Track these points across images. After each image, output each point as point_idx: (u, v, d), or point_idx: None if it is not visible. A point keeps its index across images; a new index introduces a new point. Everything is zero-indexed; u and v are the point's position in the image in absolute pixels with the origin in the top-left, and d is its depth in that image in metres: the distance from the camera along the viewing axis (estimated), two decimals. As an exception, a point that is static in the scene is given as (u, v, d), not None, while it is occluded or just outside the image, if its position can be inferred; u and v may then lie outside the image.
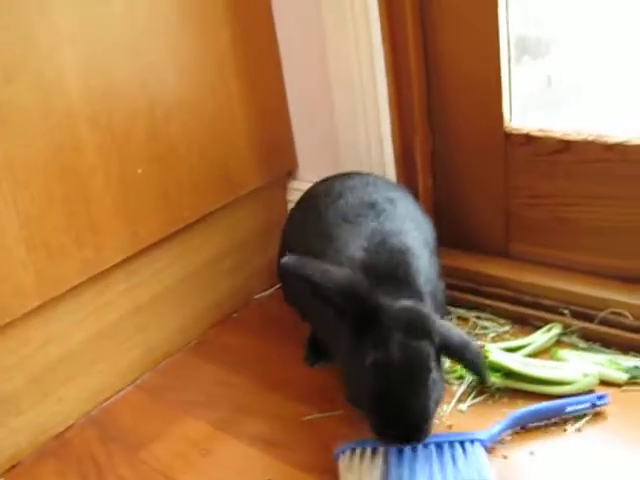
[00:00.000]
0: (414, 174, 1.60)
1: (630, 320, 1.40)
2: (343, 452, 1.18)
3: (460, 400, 1.34)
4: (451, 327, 1.16)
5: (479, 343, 1.45)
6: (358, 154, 1.62)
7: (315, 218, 1.35)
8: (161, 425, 1.42)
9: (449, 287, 1.56)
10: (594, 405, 1.24)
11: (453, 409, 1.33)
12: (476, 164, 1.57)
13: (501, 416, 1.28)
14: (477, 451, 1.14)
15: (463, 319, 1.57)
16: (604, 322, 1.43)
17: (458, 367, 1.37)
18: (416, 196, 1.60)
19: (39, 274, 1.30)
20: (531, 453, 1.21)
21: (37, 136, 1.27)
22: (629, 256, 1.44)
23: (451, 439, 1.16)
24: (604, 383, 1.33)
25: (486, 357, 1.33)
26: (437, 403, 1.11)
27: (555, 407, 1.25)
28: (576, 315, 1.47)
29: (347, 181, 1.41)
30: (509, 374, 1.33)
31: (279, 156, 1.76)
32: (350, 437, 1.21)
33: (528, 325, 1.51)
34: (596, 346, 1.43)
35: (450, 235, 1.67)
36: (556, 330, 1.44)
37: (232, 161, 1.62)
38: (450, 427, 1.28)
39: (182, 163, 1.51)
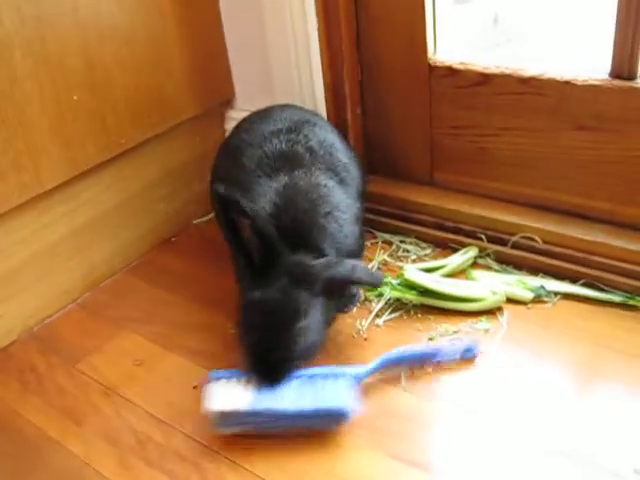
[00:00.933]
0: (343, 104, 1.66)
1: (540, 244, 1.50)
2: (213, 379, 1.24)
3: (377, 315, 1.44)
4: (336, 264, 1.21)
5: (399, 264, 1.55)
6: (291, 84, 1.68)
7: (236, 168, 1.39)
8: (99, 340, 1.50)
9: (377, 212, 1.68)
10: (462, 356, 1.29)
11: (371, 323, 1.42)
12: (402, 95, 1.63)
13: (414, 331, 1.39)
14: (343, 386, 1.19)
15: (388, 243, 1.66)
16: (517, 246, 1.53)
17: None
18: (345, 126, 1.67)
19: (-22, 196, 1.35)
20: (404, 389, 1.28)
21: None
22: (541, 186, 1.54)
23: (319, 372, 1.20)
24: (512, 301, 1.43)
25: (402, 275, 1.42)
26: (308, 349, 1.19)
27: (425, 354, 1.29)
28: (492, 239, 1.56)
29: (269, 125, 1.42)
30: (423, 292, 1.43)
31: (215, 84, 1.81)
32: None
33: (448, 249, 1.61)
34: (509, 268, 1.53)
35: (378, 164, 1.75)
36: (472, 253, 1.54)
37: (168, 89, 1.67)
38: (366, 340, 1.38)
39: (117, 90, 1.56)
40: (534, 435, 1.15)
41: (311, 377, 1.20)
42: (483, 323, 1.39)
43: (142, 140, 1.64)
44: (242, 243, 1.19)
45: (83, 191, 1.57)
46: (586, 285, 1.44)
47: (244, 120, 1.54)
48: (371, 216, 1.67)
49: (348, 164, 1.42)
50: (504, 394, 1.23)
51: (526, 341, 1.34)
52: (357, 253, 1.36)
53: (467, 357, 1.29)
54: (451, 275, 1.51)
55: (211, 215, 1.84)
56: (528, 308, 1.42)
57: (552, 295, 1.43)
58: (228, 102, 1.87)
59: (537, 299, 1.43)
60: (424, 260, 1.59)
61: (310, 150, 1.36)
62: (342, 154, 1.43)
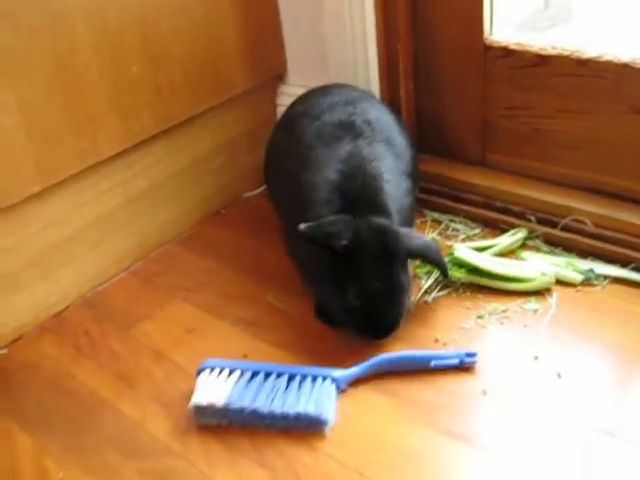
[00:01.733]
0: (397, 80, 1.66)
1: (590, 227, 1.50)
2: (203, 369, 1.27)
3: (426, 292, 1.45)
4: (412, 234, 1.30)
5: (449, 243, 1.56)
6: (345, 60, 1.68)
7: (294, 139, 1.42)
8: (151, 307, 1.53)
9: (428, 191, 1.68)
10: (462, 362, 1.24)
11: (419, 300, 1.44)
12: (456, 74, 1.63)
13: (462, 309, 1.40)
14: (325, 387, 1.19)
15: (437, 222, 1.67)
16: (567, 228, 1.53)
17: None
18: (398, 103, 1.68)
19: (38, 161, 1.39)
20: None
21: (36, 29, 1.33)
22: (594, 169, 1.52)
23: (305, 372, 1.21)
24: (561, 283, 1.44)
25: (451, 254, 1.43)
26: (407, 302, 1.30)
27: (420, 358, 1.26)
28: (541, 221, 1.56)
29: (326, 98, 1.45)
30: (472, 270, 1.43)
31: (269, 59, 1.82)
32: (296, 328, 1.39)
33: (497, 229, 1.61)
34: (558, 250, 1.53)
35: (430, 142, 1.75)
36: (521, 234, 1.54)
37: (222, 62, 1.68)
38: (415, 316, 1.39)
39: (174, 63, 1.58)
40: (579, 414, 1.16)
41: (298, 376, 1.21)
42: (532, 304, 1.39)
43: (196, 113, 1.67)
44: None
45: (138, 161, 1.60)
46: (636, 269, 1.43)
47: (299, 97, 1.55)
48: (421, 195, 1.66)
49: (403, 142, 1.45)
50: (551, 374, 1.24)
51: (574, 323, 1.34)
52: (411, 221, 1.42)
53: (467, 364, 1.24)
54: (500, 255, 1.51)
55: (261, 189, 1.86)
56: (577, 291, 1.42)
57: (601, 278, 1.43)
58: (280, 77, 1.88)
59: (586, 282, 1.43)
60: (473, 239, 1.59)
61: (368, 122, 1.39)
62: (397, 132, 1.45)
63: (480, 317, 1.38)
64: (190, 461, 1.16)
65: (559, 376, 1.23)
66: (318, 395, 1.17)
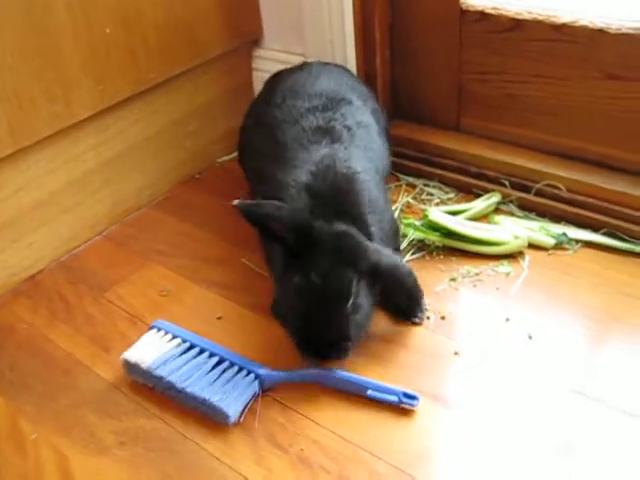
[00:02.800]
0: (372, 47, 1.66)
1: (563, 192, 1.51)
2: (152, 328, 1.29)
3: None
4: (382, 251, 1.18)
5: (423, 207, 1.57)
6: (321, 26, 1.67)
7: (272, 141, 1.39)
8: (126, 270, 1.53)
9: (402, 156, 1.68)
10: (400, 401, 1.13)
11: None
12: (432, 39, 1.63)
13: (436, 271, 1.41)
14: (245, 381, 1.18)
15: (411, 186, 1.68)
16: (540, 193, 1.54)
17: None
18: (373, 70, 1.67)
19: (11, 124, 1.37)
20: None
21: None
22: (568, 134, 1.54)
23: (234, 360, 1.20)
24: (533, 247, 1.45)
25: (426, 216, 1.44)
26: (361, 326, 1.17)
27: (357, 384, 1.17)
28: (515, 186, 1.57)
29: (306, 101, 1.41)
30: (446, 233, 1.44)
31: (244, 22, 1.81)
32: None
33: (471, 194, 1.62)
34: (531, 215, 1.54)
35: (405, 108, 1.75)
36: (495, 198, 1.55)
37: (198, 25, 1.67)
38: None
39: (148, 25, 1.56)
40: (550, 375, 1.18)
41: (227, 362, 1.21)
42: (504, 267, 1.41)
43: (171, 75, 1.65)
44: (276, 236, 1.17)
45: (112, 124, 1.59)
46: (607, 234, 1.45)
47: (281, 78, 1.53)
48: (396, 159, 1.67)
49: (382, 147, 1.45)
50: (522, 336, 1.26)
51: (546, 286, 1.36)
52: (393, 236, 1.35)
53: (407, 404, 1.13)
54: (474, 219, 1.52)
55: (234, 154, 1.84)
56: (549, 254, 1.44)
57: (573, 243, 1.45)
58: (256, 41, 1.86)
59: (558, 246, 1.45)
60: (447, 204, 1.60)
61: (348, 128, 1.37)
62: (377, 134, 1.45)
63: (453, 280, 1.39)
64: (165, 421, 1.17)
65: (530, 338, 1.25)
66: (232, 387, 1.16)
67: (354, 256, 1.14)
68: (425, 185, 1.67)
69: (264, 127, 1.44)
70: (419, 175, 1.69)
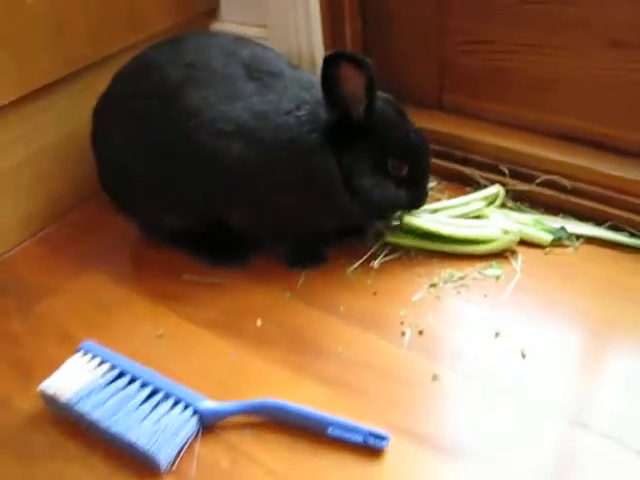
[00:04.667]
0: (341, 15, 1.46)
1: (562, 180, 1.32)
2: (79, 350, 1.10)
3: (372, 256, 1.27)
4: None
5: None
6: (282, -7, 1.46)
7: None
8: (61, 279, 1.34)
9: None
10: (366, 442, 0.94)
11: (364, 265, 1.26)
12: (408, 6, 1.43)
13: (413, 276, 1.21)
14: (180, 418, 0.99)
15: None
16: (534, 181, 1.35)
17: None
18: (343, 41, 1.48)
19: None
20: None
21: None
22: (567, 112, 1.34)
23: (170, 391, 1.02)
24: (527, 244, 1.26)
25: (400, 219, 1.25)
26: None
27: (316, 420, 0.98)
28: (507, 173, 1.38)
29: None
30: (424, 235, 1.24)
31: (195, -9, 1.60)
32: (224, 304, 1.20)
33: (456, 181, 1.43)
34: (524, 206, 1.35)
35: (381, 85, 1.54)
36: (497, 201, 1.34)
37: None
38: (356, 286, 1.21)
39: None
40: (547, 402, 0.99)
41: (161, 394, 1.02)
42: (494, 269, 1.22)
43: (107, 54, 1.44)
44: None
45: (40, 112, 1.38)
46: (614, 228, 1.26)
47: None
48: None
49: None
50: (514, 354, 1.07)
51: (542, 291, 1.17)
52: None
53: (374, 446, 0.94)
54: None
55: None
56: (546, 253, 1.25)
57: (574, 238, 1.26)
58: (212, 12, 1.65)
59: (556, 242, 1.26)
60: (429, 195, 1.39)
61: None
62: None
63: (433, 286, 1.20)
64: (89, 464, 0.99)
65: (524, 356, 1.06)
66: (166, 426, 0.97)
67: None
68: (404, 173, 1.45)
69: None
70: (397, 161, 1.48)
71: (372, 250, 1.28)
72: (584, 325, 1.10)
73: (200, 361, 1.12)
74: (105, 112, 1.27)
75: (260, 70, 1.16)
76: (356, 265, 1.25)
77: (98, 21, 1.39)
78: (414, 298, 1.18)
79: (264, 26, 1.55)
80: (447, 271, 1.22)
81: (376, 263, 1.25)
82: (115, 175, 1.28)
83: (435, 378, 1.04)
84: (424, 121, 1.44)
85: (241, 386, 1.06)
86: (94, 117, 1.29)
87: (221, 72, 1.16)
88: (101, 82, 1.33)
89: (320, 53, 1.47)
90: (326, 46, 1.48)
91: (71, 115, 1.43)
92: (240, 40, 1.23)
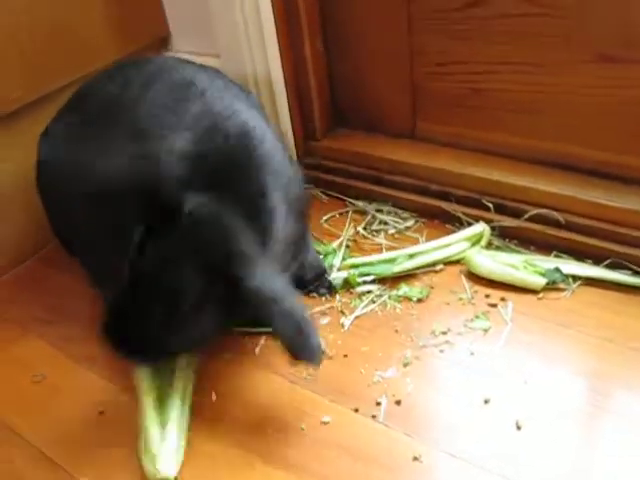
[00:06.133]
0: (300, 37, 1.32)
1: (553, 214, 1.18)
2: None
3: (342, 312, 1.12)
4: (266, 269, 0.87)
5: (377, 241, 1.23)
6: (233, 17, 1.32)
7: (113, 123, 1.00)
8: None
9: (347, 175, 1.38)
10: None
11: (331, 323, 1.10)
12: (373, 24, 1.30)
13: (391, 332, 1.07)
14: None
15: (360, 213, 1.35)
16: (523, 216, 1.21)
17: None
18: (304, 66, 1.34)
19: None
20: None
21: None
22: (554, 137, 1.21)
23: None
24: (518, 289, 1.12)
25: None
26: (189, 342, 0.90)
27: None
28: (490, 208, 1.24)
29: (145, 67, 1.08)
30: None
31: (144, 21, 1.47)
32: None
33: (435, 219, 1.30)
34: (512, 245, 1.21)
35: (347, 113, 1.44)
36: (482, 240, 1.21)
37: (82, 27, 1.34)
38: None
39: (10, 31, 1.21)
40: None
41: None
42: (480, 321, 1.07)
43: (47, 92, 1.31)
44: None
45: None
46: (614, 266, 1.12)
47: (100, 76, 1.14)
48: (339, 179, 1.38)
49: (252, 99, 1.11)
50: (507, 425, 0.92)
51: (536, 345, 1.03)
52: (304, 201, 1.06)
53: None
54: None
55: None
56: (539, 298, 1.11)
57: (570, 280, 1.12)
58: (163, 42, 1.52)
59: (551, 286, 1.12)
60: (405, 235, 1.28)
61: (210, 79, 1.03)
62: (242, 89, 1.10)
63: (413, 345, 1.04)
64: None
65: (519, 428, 0.91)
66: None
67: (213, 257, 0.84)
68: (377, 211, 1.34)
69: (94, 114, 1.06)
70: (369, 198, 1.36)
71: (339, 303, 1.12)
72: (588, 383, 0.96)
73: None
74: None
75: None
76: (325, 322, 1.10)
77: (34, 59, 1.26)
78: (390, 359, 1.02)
79: (217, 55, 1.40)
80: (428, 326, 1.07)
81: (348, 322, 1.09)
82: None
83: (416, 459, 0.88)
84: (396, 152, 1.35)
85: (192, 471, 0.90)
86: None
87: None
88: (36, 124, 1.18)
89: (279, 79, 1.33)
90: (285, 72, 1.33)
91: (7, 163, 1.28)
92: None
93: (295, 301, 0.87)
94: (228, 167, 0.90)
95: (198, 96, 0.97)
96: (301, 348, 0.85)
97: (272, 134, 1.00)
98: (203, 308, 0.85)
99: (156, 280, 0.83)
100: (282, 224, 0.93)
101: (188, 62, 1.11)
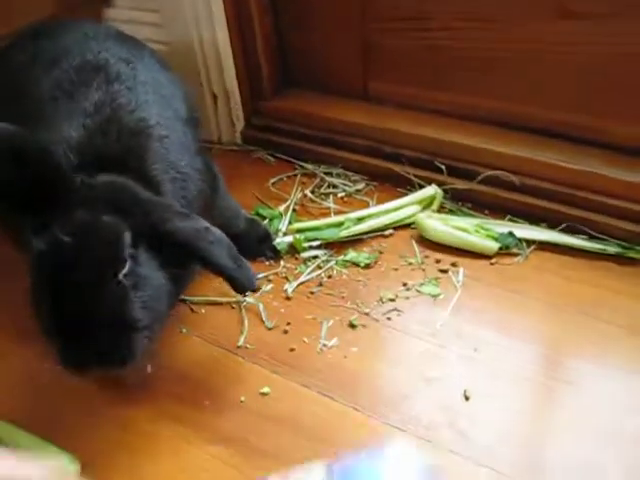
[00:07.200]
0: (247, -4, 1.25)
1: (507, 175, 1.15)
2: None
3: (287, 277, 1.08)
4: (176, 210, 0.82)
5: (325, 205, 1.19)
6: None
7: (18, 95, 0.96)
8: None
9: (295, 136, 1.33)
10: None
11: (275, 290, 1.05)
12: (321, -25, 1.24)
13: (337, 299, 1.01)
14: None
15: (309, 175, 1.31)
16: (475, 178, 1.17)
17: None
18: (250, 24, 1.27)
19: None
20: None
21: None
22: (511, 97, 1.18)
23: None
24: (470, 254, 1.09)
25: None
26: (152, 308, 0.78)
27: None
28: (442, 170, 1.20)
29: (62, 38, 1.01)
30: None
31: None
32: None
33: (385, 182, 1.25)
34: (464, 208, 1.17)
35: (296, 73, 1.40)
36: (434, 204, 1.17)
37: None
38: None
39: None
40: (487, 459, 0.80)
41: None
42: (430, 287, 1.03)
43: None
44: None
45: None
46: (569, 230, 1.10)
47: (11, 44, 1.07)
48: (288, 141, 1.33)
49: (170, 80, 1.01)
50: (455, 386, 0.89)
51: (487, 310, 1.00)
52: (208, 194, 0.98)
53: None
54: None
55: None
56: (492, 263, 1.08)
57: (523, 245, 1.10)
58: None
59: (504, 251, 1.08)
60: (355, 198, 1.23)
61: (127, 60, 0.95)
62: (160, 69, 1.02)
63: (359, 311, 0.99)
64: None
65: (466, 398, 0.88)
66: None
67: (128, 207, 0.78)
68: (326, 174, 1.29)
69: (8, 84, 0.99)
70: (318, 161, 1.32)
71: (284, 269, 1.07)
72: (538, 348, 0.93)
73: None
74: None
75: None
76: (267, 289, 1.05)
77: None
78: (335, 329, 0.97)
79: (158, 11, 1.33)
80: (375, 293, 1.02)
81: (290, 289, 1.04)
82: None
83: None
84: (347, 113, 1.30)
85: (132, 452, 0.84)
86: None
87: None
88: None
89: (225, 42, 1.26)
90: (231, 33, 1.27)
91: None
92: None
93: (221, 232, 0.82)
94: (119, 164, 0.83)
95: (103, 83, 0.90)
96: (238, 273, 0.81)
97: (178, 128, 0.93)
98: (144, 265, 0.78)
99: (80, 253, 0.74)
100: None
101: (116, 35, 1.03)
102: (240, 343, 0.97)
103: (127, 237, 0.76)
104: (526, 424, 0.84)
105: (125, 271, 0.75)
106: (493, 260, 1.07)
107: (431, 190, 1.16)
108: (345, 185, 1.25)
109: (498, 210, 1.15)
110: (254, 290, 0.84)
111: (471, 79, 1.19)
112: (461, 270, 1.05)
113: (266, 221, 1.17)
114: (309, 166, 1.30)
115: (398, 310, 1.00)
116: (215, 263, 0.80)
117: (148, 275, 0.78)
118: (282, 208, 1.20)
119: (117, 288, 0.74)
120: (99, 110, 0.87)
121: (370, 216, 1.13)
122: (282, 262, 1.10)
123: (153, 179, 0.85)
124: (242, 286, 0.82)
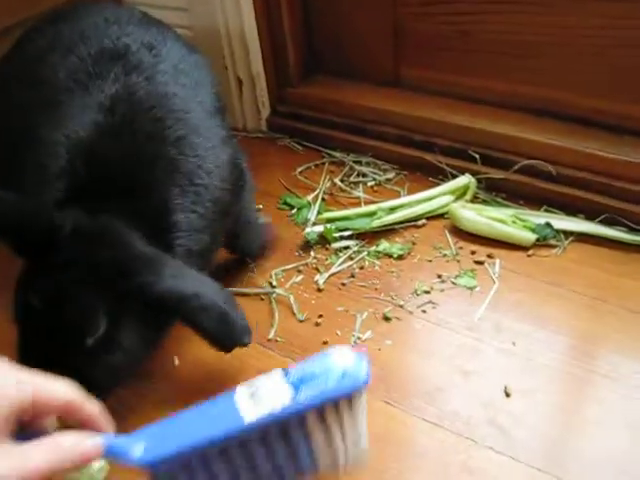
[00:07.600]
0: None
1: (545, 165, 1.12)
2: None
3: (317, 269, 1.05)
4: (166, 264, 0.77)
5: (355, 194, 1.17)
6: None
7: (36, 82, 0.91)
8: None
9: (324, 124, 1.32)
10: None
11: (305, 283, 1.03)
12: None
13: (370, 290, 0.98)
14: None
15: (338, 164, 1.28)
16: (511, 168, 1.14)
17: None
18: (278, 6, 1.23)
19: None
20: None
21: None
22: (548, 83, 1.14)
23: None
24: (506, 245, 1.06)
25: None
26: (116, 370, 0.76)
27: None
28: (477, 159, 1.18)
29: (80, 22, 0.95)
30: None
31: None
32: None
33: (416, 171, 1.23)
34: (499, 199, 1.14)
35: (325, 59, 1.38)
36: (467, 194, 1.14)
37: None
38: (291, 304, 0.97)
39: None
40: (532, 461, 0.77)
41: None
42: (465, 279, 1.00)
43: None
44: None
45: None
46: (608, 222, 1.06)
47: (30, 30, 1.02)
48: (315, 128, 1.31)
49: (196, 65, 0.96)
50: (497, 379, 0.86)
51: (525, 303, 0.97)
52: (237, 193, 0.94)
53: None
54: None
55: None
56: (529, 255, 1.05)
57: (561, 236, 1.06)
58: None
59: (541, 242, 1.05)
60: (385, 187, 1.20)
61: (149, 46, 0.90)
62: (188, 50, 0.97)
63: (393, 304, 0.96)
64: None
65: (507, 394, 0.85)
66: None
67: (115, 266, 0.74)
68: (355, 162, 1.26)
69: (23, 73, 0.95)
70: (348, 149, 1.29)
71: (314, 260, 1.05)
72: (578, 347, 0.90)
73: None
74: None
75: None
76: (298, 280, 1.02)
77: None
78: (369, 322, 0.94)
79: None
80: (409, 285, 0.99)
81: (321, 281, 1.01)
82: None
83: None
84: (377, 101, 1.28)
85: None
86: None
87: None
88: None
89: (252, 25, 1.23)
90: (259, 21, 1.24)
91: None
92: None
93: (213, 290, 0.79)
94: (127, 173, 0.80)
95: (121, 74, 0.85)
96: (227, 336, 0.78)
97: (204, 126, 0.88)
98: (121, 328, 0.75)
99: (50, 319, 0.72)
100: (194, 234, 0.83)
101: (140, 19, 0.98)
102: (271, 336, 0.94)
103: (99, 309, 0.73)
104: (563, 419, 0.81)
105: (91, 339, 0.72)
106: (530, 252, 1.04)
107: (465, 179, 1.13)
108: (375, 174, 1.22)
109: (534, 201, 1.12)
110: (245, 345, 0.81)
111: (505, 64, 1.16)
112: (497, 262, 1.02)
113: (294, 210, 1.15)
114: (337, 154, 1.27)
115: (433, 302, 0.97)
116: (200, 328, 0.77)
117: (121, 339, 0.75)
118: (310, 197, 1.18)
119: (84, 354, 0.72)
120: (114, 106, 0.82)
121: (402, 206, 1.10)
122: (312, 252, 1.07)
123: (160, 206, 0.81)
124: (225, 348, 0.80)
